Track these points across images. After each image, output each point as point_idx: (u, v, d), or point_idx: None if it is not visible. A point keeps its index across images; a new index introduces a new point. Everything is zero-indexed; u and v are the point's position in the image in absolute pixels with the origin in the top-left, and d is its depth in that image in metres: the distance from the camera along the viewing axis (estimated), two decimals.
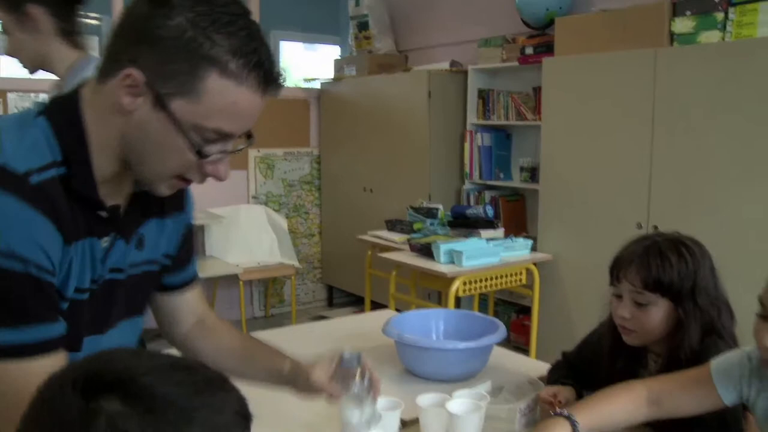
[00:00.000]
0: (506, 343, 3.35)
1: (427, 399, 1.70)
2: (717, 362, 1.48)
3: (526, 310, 4.48)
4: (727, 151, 3.30)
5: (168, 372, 0.69)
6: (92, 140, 1.10)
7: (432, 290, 4.03)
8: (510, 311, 4.88)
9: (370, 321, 2.33)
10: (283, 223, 5.64)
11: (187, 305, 1.50)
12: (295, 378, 1.43)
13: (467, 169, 4.90)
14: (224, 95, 1.05)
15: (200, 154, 1.08)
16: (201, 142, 1.08)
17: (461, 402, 1.68)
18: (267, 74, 1.07)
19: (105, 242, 1.17)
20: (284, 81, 1.11)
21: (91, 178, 1.10)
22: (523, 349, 4.20)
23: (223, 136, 1.09)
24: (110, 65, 1.07)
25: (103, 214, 1.14)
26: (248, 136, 1.16)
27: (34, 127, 1.07)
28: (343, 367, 1.35)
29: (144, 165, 1.11)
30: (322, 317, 5.35)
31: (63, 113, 1.10)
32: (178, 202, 1.36)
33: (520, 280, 4.05)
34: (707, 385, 1.46)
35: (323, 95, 5.98)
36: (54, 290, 1.07)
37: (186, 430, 0.65)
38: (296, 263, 5.46)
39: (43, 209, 1.02)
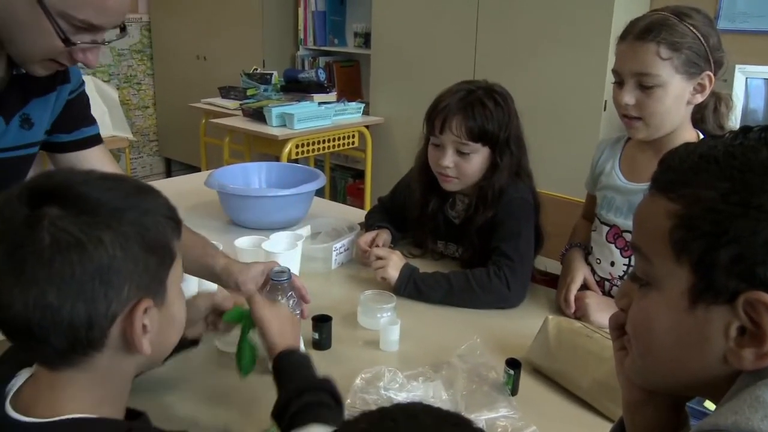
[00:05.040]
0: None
1: (244, 241, 1.78)
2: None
3: (361, 175, 4.62)
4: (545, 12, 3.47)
5: (99, 181, 0.77)
6: None
7: (267, 155, 4.06)
8: (346, 176, 5.02)
9: (199, 179, 2.35)
10: (114, 94, 5.39)
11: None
12: (226, 278, 1.40)
13: (301, 35, 4.85)
14: None
15: (67, 42, 1.13)
16: (70, 29, 1.12)
17: (278, 242, 1.77)
18: None
19: None
20: None
21: None
22: None
23: (92, 28, 1.14)
24: None
25: None
26: (121, 29, 1.22)
27: None
28: (272, 281, 1.35)
29: (13, 45, 1.16)
30: None
31: None
32: (62, 75, 1.36)
33: (353, 142, 4.15)
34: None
35: None
36: None
37: (116, 227, 0.73)
38: (130, 135, 5.27)
39: None
